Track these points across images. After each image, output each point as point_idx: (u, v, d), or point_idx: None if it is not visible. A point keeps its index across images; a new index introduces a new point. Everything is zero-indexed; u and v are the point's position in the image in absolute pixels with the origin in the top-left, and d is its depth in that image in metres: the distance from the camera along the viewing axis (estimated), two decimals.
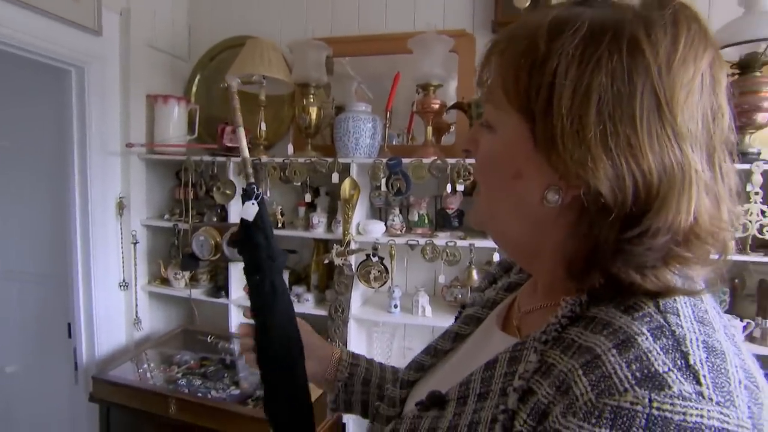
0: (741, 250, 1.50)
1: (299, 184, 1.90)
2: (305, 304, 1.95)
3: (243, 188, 0.74)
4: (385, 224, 1.89)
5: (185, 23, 2.26)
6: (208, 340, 1.93)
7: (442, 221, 1.86)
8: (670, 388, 0.32)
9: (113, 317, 1.99)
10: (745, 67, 1.52)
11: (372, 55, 2.09)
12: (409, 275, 2.04)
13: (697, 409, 0.31)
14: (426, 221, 1.87)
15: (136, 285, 2.02)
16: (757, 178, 1.43)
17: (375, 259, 1.86)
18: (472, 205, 0.53)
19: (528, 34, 0.42)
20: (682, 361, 0.34)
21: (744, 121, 1.51)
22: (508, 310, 0.58)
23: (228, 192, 1.91)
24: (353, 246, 1.86)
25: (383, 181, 1.81)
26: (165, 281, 2.08)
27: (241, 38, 2.15)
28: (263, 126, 1.96)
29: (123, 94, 1.96)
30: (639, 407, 0.32)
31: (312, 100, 1.95)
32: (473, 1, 1.96)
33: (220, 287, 2.03)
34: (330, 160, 1.84)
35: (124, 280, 2.00)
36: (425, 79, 1.81)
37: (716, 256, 0.40)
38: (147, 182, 2.08)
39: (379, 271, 1.86)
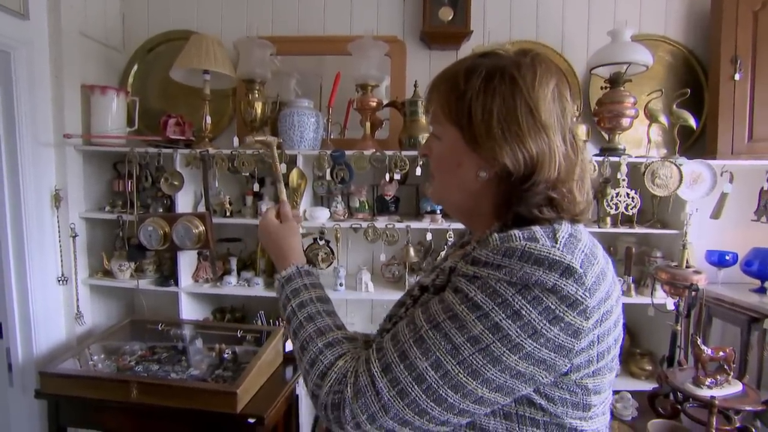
0: (613, 224, 1.95)
1: (247, 174, 2.01)
2: (255, 287, 2.07)
3: None
4: (329, 210, 2.08)
5: (118, 12, 2.21)
6: (159, 328, 1.97)
7: (380, 206, 2.10)
8: (539, 241, 0.59)
9: (52, 313, 1.93)
10: (614, 82, 1.96)
11: (310, 54, 2.25)
12: (351, 256, 2.25)
13: (548, 250, 0.58)
14: (366, 207, 2.10)
15: (76, 279, 1.97)
16: (624, 168, 1.87)
17: (322, 242, 2.05)
18: (430, 188, 0.79)
19: (453, 77, 0.69)
20: (552, 235, 0.61)
21: (614, 124, 1.95)
22: None
23: (176, 183, 1.96)
24: (302, 231, 2.02)
25: (328, 171, 2.00)
26: (108, 273, 2.06)
27: (181, 32, 2.18)
28: (208, 119, 2.03)
29: (55, 82, 1.89)
30: (519, 246, 0.58)
31: (257, 95, 2.06)
32: (403, 11, 2.21)
33: (168, 276, 2.07)
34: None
35: (63, 275, 1.95)
36: (364, 79, 2.03)
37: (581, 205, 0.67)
38: (84, 174, 2.03)
39: (326, 253, 2.06)
